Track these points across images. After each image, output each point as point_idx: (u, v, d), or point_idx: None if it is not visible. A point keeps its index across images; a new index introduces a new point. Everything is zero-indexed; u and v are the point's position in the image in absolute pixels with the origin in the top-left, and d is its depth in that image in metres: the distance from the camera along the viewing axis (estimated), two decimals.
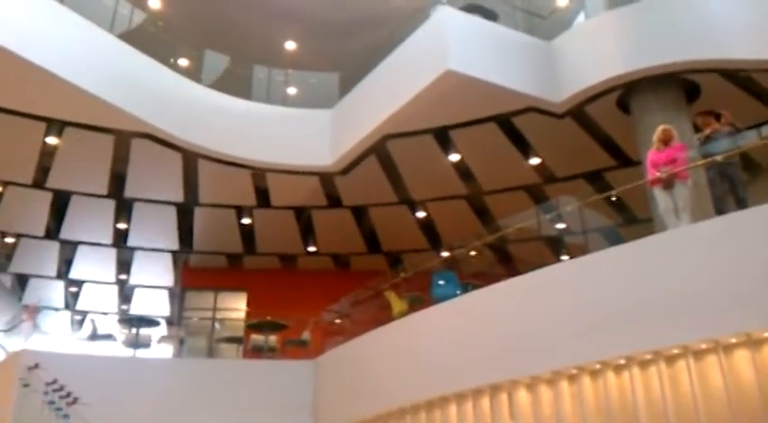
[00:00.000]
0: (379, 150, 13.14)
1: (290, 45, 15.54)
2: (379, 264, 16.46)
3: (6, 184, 14.08)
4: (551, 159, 13.27)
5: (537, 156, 13.18)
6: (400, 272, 13.17)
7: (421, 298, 11.17)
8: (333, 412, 11.31)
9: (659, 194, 8.36)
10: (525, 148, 12.99)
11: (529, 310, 8.33)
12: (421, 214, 15.19)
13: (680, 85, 10.87)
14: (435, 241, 15.68)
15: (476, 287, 9.73)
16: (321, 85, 15.49)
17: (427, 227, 15.58)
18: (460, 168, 13.67)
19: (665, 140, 8.49)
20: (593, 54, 11.25)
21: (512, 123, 12.35)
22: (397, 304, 11.26)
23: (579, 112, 11.74)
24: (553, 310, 8.01)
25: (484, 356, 8.57)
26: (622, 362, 7.34)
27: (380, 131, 12.51)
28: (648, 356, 7.12)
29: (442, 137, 12.84)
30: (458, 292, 10.23)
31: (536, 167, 13.48)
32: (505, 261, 14.05)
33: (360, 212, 15.34)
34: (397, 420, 9.73)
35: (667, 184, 8.20)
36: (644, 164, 9.34)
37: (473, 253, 11.70)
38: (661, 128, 8.60)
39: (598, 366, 7.52)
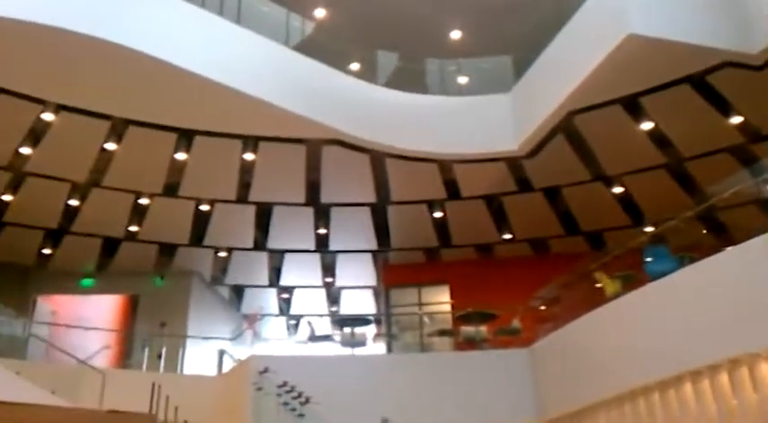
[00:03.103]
0: (566, 127, 12.70)
1: (456, 34, 15.38)
2: (579, 245, 16.00)
3: (213, 202, 15.11)
4: (755, 116, 12.12)
5: (738, 114, 12.11)
6: (605, 251, 12.71)
7: (634, 276, 10.70)
8: (556, 399, 11.17)
9: None
10: (725, 107, 11.99)
11: (762, 276, 7.66)
12: (618, 189, 14.47)
13: None
14: (637, 216, 14.91)
15: (692, 260, 9.18)
16: (494, 70, 15.18)
17: (626, 202, 14.82)
18: (655, 136, 12.87)
19: None
20: None
21: (706, 82, 11.46)
22: (610, 285, 10.85)
23: None
24: None
25: (716, 330, 8.04)
26: None
27: (565, 108, 12.07)
28: None
29: (632, 105, 12.17)
30: (674, 266, 9.68)
31: (739, 126, 12.39)
32: (718, 229, 13.17)
33: (553, 194, 14.90)
34: (628, 403, 9.40)
35: None
36: None
37: (682, 225, 11.05)
38: None
39: None
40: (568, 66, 11.85)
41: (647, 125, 12.61)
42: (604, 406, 9.83)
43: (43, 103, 11.94)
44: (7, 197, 14.24)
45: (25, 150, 12.86)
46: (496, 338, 13.71)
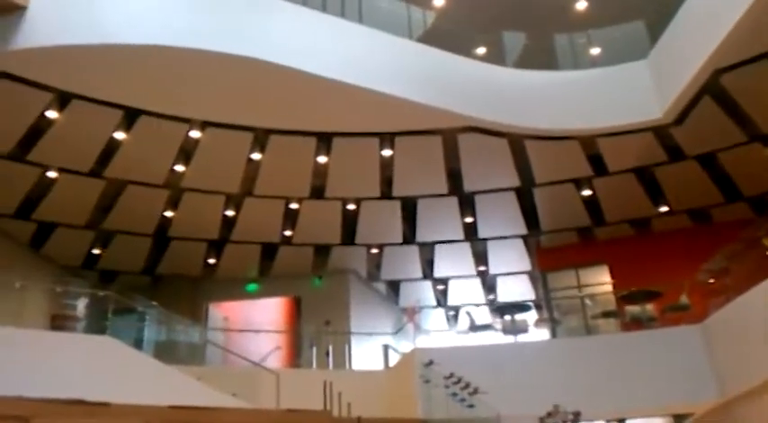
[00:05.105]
0: (713, 88, 11.89)
1: (582, 5, 14.64)
2: (743, 212, 15.02)
3: (359, 200, 15.45)
4: None
5: None
6: None
7: None
8: (737, 375, 10.63)
9: None
10: None
11: None
12: None
13: None
14: None
15: None
16: (627, 37, 14.46)
17: None
18: None
19: None
20: None
21: None
22: None
23: None
24: None
25: None
26: None
27: (709, 68, 11.29)
28: None
29: None
30: None
31: None
32: None
33: (707, 160, 14.00)
34: None
35: None
36: None
37: None
38: None
39: None
40: (708, 22, 11.11)
41: None
42: None
43: (189, 122, 12.73)
44: (169, 213, 15.25)
45: (179, 168, 13.76)
46: (665, 316, 13.23)
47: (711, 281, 12.71)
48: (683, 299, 13.20)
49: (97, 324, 12.49)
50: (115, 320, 12.31)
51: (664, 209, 15.63)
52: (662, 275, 13.73)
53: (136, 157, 13.30)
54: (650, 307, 13.28)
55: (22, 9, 10.25)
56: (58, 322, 12.24)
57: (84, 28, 10.55)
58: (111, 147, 12.99)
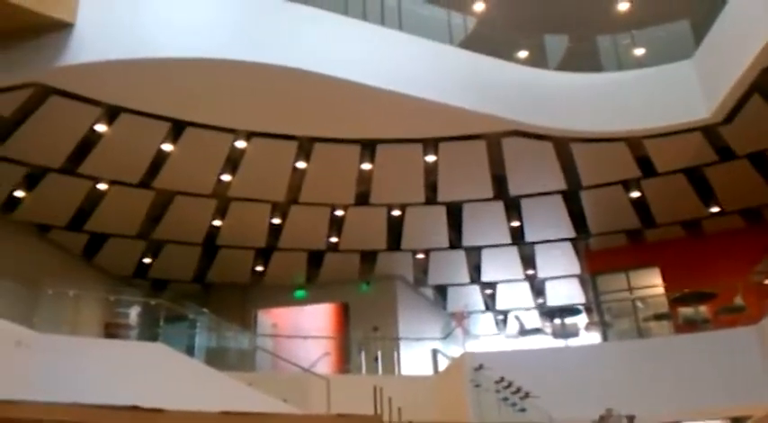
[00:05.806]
0: (762, 86, 11.58)
1: (624, 5, 14.34)
2: None
3: (404, 206, 15.45)
4: None
5: None
6: None
7: None
8: None
9: None
10: None
11: None
12: None
13: None
14: None
15: None
16: (671, 37, 14.21)
17: None
18: None
19: None
20: None
21: None
22: None
23: None
24: None
25: None
26: None
27: (757, 66, 10.99)
28: None
29: None
30: None
31: None
32: None
33: (759, 159, 13.64)
34: None
35: None
36: None
37: None
38: None
39: None
40: (754, 20, 10.87)
41: None
42: None
43: (235, 132, 12.90)
44: (217, 222, 15.47)
45: (226, 177, 13.97)
46: (719, 318, 12.99)
47: (766, 281, 12.42)
48: (738, 300, 12.94)
49: (149, 331, 12.73)
50: (167, 328, 12.54)
51: (715, 209, 15.30)
52: (715, 277, 13.48)
53: (183, 168, 13.56)
54: (704, 309, 13.03)
55: (69, 26, 10.59)
56: (112, 330, 12.53)
57: (130, 43, 10.85)
58: (160, 158, 13.26)
